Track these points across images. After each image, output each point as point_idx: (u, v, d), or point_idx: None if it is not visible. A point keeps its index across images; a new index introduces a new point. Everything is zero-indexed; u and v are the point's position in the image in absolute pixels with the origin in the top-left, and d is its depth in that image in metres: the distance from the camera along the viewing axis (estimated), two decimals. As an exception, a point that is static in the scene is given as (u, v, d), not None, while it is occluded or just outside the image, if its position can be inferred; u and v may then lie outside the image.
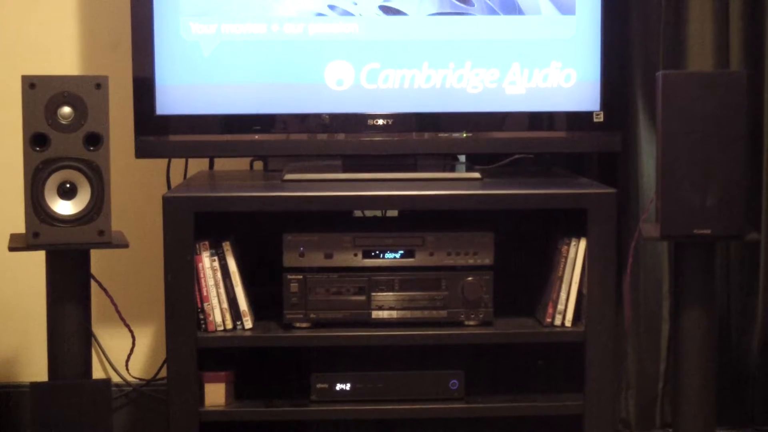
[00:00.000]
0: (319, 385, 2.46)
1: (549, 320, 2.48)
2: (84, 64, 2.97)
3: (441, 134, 2.65)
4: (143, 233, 2.78)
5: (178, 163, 2.87)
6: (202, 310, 2.43)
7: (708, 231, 2.38)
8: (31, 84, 2.34)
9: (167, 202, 2.40)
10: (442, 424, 2.63)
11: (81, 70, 2.96)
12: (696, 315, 2.44)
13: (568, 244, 2.46)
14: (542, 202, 2.46)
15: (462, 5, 2.63)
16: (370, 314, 2.47)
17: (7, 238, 2.45)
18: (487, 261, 2.47)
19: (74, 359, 2.40)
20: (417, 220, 2.58)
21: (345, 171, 2.66)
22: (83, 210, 2.36)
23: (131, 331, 2.68)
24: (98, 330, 2.90)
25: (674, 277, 2.54)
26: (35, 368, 2.95)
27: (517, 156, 2.79)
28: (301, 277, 2.45)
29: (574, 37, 2.65)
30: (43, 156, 2.34)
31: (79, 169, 2.35)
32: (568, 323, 2.47)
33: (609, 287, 2.44)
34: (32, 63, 2.91)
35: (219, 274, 2.44)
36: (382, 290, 2.46)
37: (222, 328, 2.45)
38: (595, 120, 2.66)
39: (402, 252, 2.47)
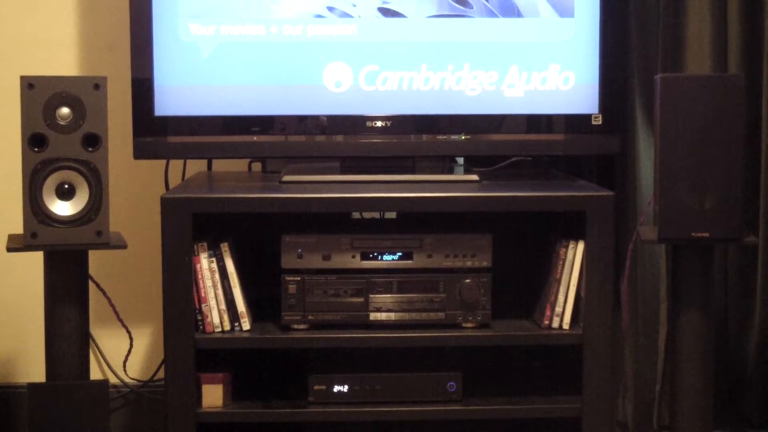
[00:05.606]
0: (316, 387, 2.46)
1: (547, 323, 2.48)
2: (82, 64, 2.96)
3: (439, 136, 2.65)
4: (141, 234, 2.78)
5: (176, 164, 2.87)
6: (200, 312, 2.43)
7: (706, 234, 2.38)
8: (29, 84, 2.34)
9: (165, 203, 2.40)
10: (439, 426, 2.62)
11: (79, 71, 2.96)
12: (694, 318, 2.44)
13: (566, 247, 2.46)
14: (540, 205, 2.46)
15: (461, 7, 2.63)
16: (368, 316, 2.47)
17: (5, 238, 2.45)
18: (485, 263, 2.47)
19: (72, 360, 2.40)
20: (415, 222, 2.58)
21: (343, 173, 2.66)
22: (81, 211, 2.36)
23: (129, 332, 2.68)
24: (96, 331, 2.90)
25: (672, 280, 2.54)
26: (33, 369, 2.95)
27: (515, 158, 2.79)
28: (299, 278, 2.45)
29: (573, 40, 2.65)
30: (41, 156, 2.34)
31: (78, 170, 2.35)
32: (565, 326, 2.47)
33: (607, 290, 2.44)
34: (31, 63, 2.90)
35: (217, 276, 2.44)
36: (380, 292, 2.46)
37: (220, 329, 2.45)
38: (593, 123, 2.66)
39: (400, 254, 2.47)
